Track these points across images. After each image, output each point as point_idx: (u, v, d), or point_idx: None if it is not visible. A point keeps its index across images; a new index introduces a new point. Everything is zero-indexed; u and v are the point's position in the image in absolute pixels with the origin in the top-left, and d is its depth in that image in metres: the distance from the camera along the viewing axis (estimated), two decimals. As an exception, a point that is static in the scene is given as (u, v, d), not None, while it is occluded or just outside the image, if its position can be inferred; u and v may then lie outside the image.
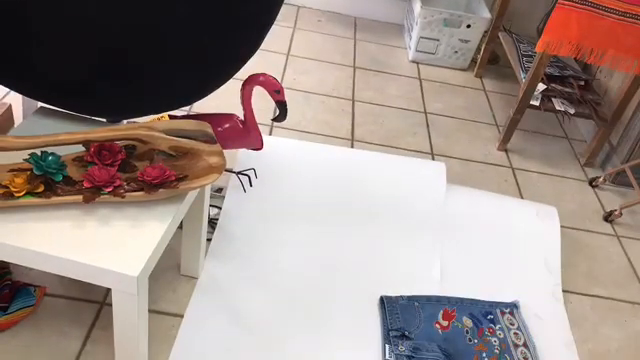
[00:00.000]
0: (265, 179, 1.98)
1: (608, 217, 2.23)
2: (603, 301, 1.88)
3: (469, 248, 1.89)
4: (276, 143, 2.07)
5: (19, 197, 1.12)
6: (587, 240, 2.12)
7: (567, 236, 2.10)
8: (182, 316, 1.53)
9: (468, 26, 2.96)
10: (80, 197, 1.14)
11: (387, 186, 2.02)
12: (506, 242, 1.93)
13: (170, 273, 1.64)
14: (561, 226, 2.14)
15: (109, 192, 1.16)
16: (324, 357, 1.50)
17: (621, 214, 2.21)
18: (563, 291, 1.86)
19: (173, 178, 1.20)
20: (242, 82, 1.51)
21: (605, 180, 2.40)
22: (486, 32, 3.00)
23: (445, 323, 1.63)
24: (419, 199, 1.99)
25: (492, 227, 1.97)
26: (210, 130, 1.29)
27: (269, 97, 1.53)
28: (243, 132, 1.55)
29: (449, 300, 1.71)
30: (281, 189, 1.97)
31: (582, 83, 2.56)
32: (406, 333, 1.57)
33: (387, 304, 1.64)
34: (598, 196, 2.37)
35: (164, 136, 1.24)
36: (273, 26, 1.43)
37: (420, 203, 1.97)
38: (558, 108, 2.43)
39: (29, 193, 1.13)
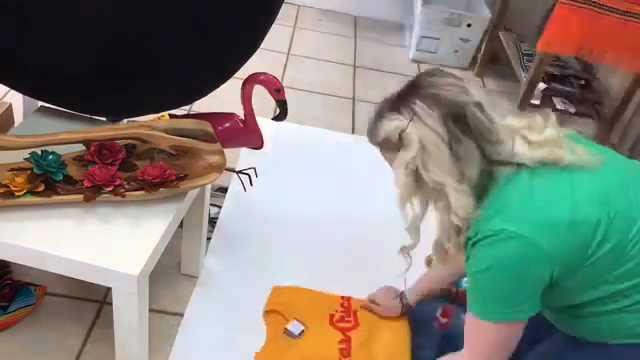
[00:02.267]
0: (265, 178, 1.98)
1: (608, 216, 2.22)
2: (603, 300, 1.88)
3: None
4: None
5: (19, 196, 1.12)
6: (587, 239, 2.12)
7: (567, 235, 2.10)
8: (182, 315, 1.53)
9: (469, 25, 2.96)
10: (80, 196, 1.14)
11: (382, 174, 2.04)
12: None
13: (170, 272, 1.64)
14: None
15: (109, 191, 1.16)
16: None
17: (621, 213, 2.20)
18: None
19: (173, 177, 1.20)
20: (242, 81, 1.51)
21: (605, 179, 2.40)
22: (487, 31, 3.00)
23: (444, 320, 1.63)
24: None
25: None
26: (210, 129, 1.29)
27: (269, 96, 1.53)
28: (243, 131, 1.55)
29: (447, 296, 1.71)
30: (281, 187, 1.97)
31: (582, 82, 2.56)
32: (405, 331, 1.56)
33: (387, 302, 1.64)
34: (598, 195, 2.36)
35: (164, 135, 1.24)
36: (273, 25, 1.43)
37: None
38: (559, 107, 2.42)
39: (29, 192, 1.13)
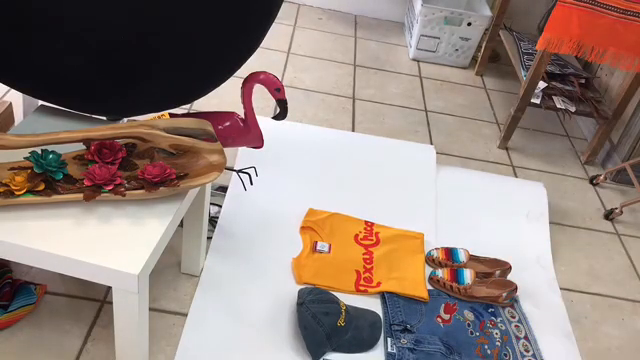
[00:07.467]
0: (266, 177, 1.98)
1: (609, 215, 2.23)
2: (604, 299, 1.88)
3: (461, 245, 1.90)
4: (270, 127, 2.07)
5: (19, 195, 1.12)
6: (588, 238, 2.12)
7: (567, 234, 2.10)
8: (183, 314, 1.53)
9: (469, 24, 2.96)
10: (81, 195, 1.14)
11: (384, 171, 2.07)
12: (498, 245, 1.94)
13: (171, 271, 1.64)
14: (562, 224, 2.14)
15: (109, 190, 1.16)
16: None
17: (622, 212, 2.20)
18: (564, 289, 1.86)
19: (173, 176, 1.20)
20: (242, 80, 1.51)
21: (606, 178, 2.40)
22: (487, 30, 3.00)
23: (447, 316, 1.64)
24: (412, 183, 2.06)
25: (484, 229, 1.99)
26: (210, 128, 1.29)
27: (269, 95, 1.53)
28: (244, 130, 1.55)
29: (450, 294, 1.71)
30: (281, 186, 1.97)
31: (583, 81, 2.56)
32: (408, 327, 1.57)
33: (388, 298, 1.65)
34: (599, 194, 2.37)
35: (165, 134, 1.24)
36: (274, 24, 1.43)
37: (414, 187, 2.03)
38: (559, 106, 2.42)
39: (29, 191, 1.13)
